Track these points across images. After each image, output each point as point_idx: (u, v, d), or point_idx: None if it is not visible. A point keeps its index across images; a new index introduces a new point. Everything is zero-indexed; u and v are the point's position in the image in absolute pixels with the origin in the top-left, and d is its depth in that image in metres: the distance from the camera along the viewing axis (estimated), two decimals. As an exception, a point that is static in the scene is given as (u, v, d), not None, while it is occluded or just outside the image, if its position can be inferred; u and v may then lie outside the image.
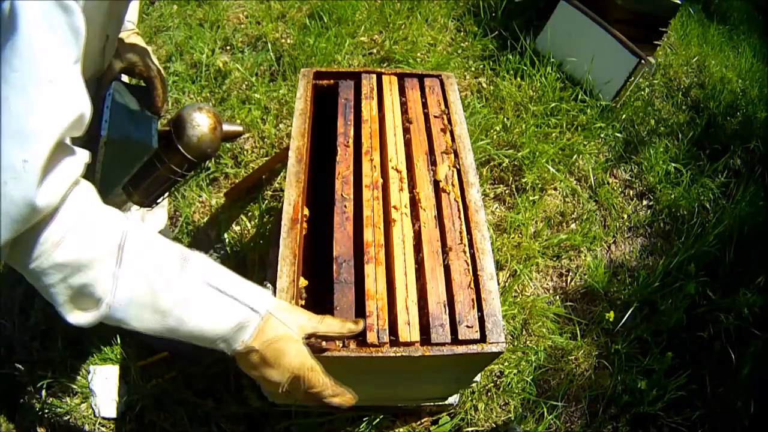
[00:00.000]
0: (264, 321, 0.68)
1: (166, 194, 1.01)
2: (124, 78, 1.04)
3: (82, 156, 0.61)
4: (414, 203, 0.94)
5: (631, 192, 2.02)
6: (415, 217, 0.93)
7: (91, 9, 0.61)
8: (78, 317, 0.62)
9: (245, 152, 1.80)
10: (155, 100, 0.99)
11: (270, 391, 0.78)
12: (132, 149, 0.93)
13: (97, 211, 0.62)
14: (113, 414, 1.31)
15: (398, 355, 0.78)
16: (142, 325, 0.64)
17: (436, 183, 0.98)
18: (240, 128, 1.17)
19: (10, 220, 0.53)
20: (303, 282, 0.87)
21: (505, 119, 1.99)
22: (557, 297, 1.66)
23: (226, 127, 1.05)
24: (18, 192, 0.52)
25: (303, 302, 0.85)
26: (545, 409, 1.40)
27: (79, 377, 1.34)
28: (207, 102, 1.93)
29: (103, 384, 1.33)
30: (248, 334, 0.67)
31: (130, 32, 1.01)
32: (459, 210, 0.94)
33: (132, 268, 0.61)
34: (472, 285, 0.86)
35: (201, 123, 0.89)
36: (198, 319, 0.65)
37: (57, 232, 0.57)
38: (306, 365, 0.70)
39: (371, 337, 0.78)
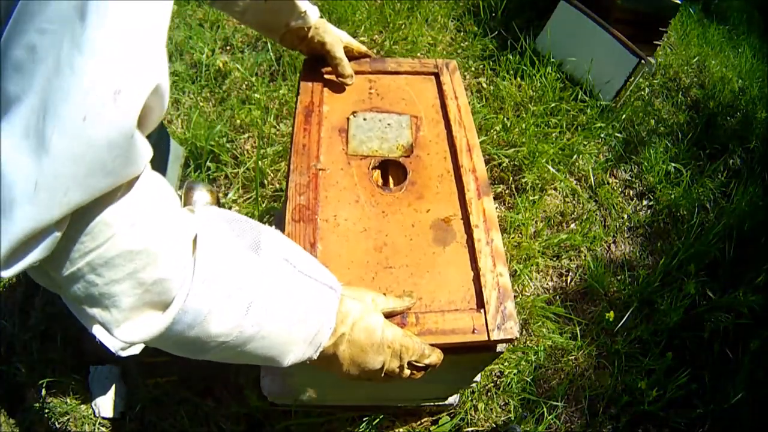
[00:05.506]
0: (340, 302, 0.58)
1: None
2: None
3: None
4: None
5: (631, 192, 2.02)
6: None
7: None
8: (139, 330, 0.45)
9: (246, 152, 1.80)
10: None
11: (368, 379, 0.63)
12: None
13: (171, 195, 0.48)
14: (113, 414, 1.31)
15: (398, 355, 0.77)
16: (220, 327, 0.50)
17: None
18: None
19: (86, 169, 0.35)
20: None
21: (505, 119, 1.99)
22: (557, 297, 1.66)
23: None
24: (105, 129, 0.35)
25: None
26: (545, 409, 1.40)
27: (79, 377, 1.34)
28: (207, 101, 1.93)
29: (103, 384, 1.33)
30: (333, 320, 0.56)
31: None
32: (459, 210, 0.94)
33: (204, 270, 0.48)
34: (473, 285, 0.85)
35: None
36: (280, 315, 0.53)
37: (131, 212, 0.42)
38: (399, 333, 0.61)
39: (371, 337, 0.78)
